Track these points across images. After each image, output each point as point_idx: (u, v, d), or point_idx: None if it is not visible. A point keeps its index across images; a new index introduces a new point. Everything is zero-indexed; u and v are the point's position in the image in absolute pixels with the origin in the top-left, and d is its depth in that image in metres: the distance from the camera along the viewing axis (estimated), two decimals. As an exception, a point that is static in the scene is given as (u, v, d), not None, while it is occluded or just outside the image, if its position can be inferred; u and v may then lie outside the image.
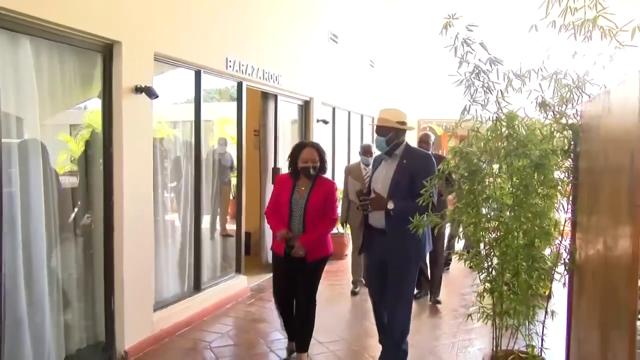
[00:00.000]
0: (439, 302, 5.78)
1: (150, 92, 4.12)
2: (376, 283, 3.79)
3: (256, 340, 4.69)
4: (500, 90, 3.07)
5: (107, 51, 3.94)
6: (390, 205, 3.50)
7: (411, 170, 3.54)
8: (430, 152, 4.57)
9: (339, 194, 4.78)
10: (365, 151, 5.99)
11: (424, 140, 5.72)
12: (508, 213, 3.19)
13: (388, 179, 3.62)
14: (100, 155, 4.01)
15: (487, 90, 3.10)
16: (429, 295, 5.88)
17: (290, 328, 4.13)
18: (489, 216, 3.21)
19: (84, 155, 4.08)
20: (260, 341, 4.63)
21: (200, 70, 5.08)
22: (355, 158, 8.16)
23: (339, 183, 7.83)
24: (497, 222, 3.20)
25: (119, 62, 3.94)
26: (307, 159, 3.78)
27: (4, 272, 3.21)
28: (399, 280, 3.61)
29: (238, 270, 5.98)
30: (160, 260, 4.77)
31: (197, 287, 5.23)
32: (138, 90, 4.07)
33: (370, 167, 5.56)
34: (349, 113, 9.67)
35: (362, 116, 10.43)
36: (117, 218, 4.03)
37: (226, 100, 5.91)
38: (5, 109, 3.25)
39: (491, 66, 3.06)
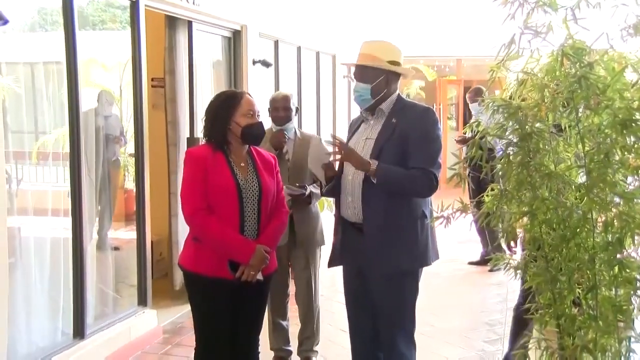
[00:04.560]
0: None
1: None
2: (353, 305, 3.93)
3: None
4: (570, 9, 3.10)
5: None
6: (373, 166, 3.59)
7: (402, 132, 3.65)
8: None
9: None
10: (276, 107, 4.82)
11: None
12: (576, 196, 3.26)
13: (368, 147, 3.70)
14: None
15: (549, 10, 3.12)
16: None
17: None
18: (550, 201, 3.26)
19: None
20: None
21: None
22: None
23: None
24: (563, 210, 3.25)
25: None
26: (253, 112, 3.74)
27: None
28: (386, 303, 3.73)
29: (143, 303, 5.92)
30: (17, 292, 4.68)
31: (79, 332, 5.12)
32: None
33: (289, 146, 4.81)
34: (299, 49, 9.75)
35: (317, 54, 10.54)
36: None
37: (88, 28, 5.63)
38: None
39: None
